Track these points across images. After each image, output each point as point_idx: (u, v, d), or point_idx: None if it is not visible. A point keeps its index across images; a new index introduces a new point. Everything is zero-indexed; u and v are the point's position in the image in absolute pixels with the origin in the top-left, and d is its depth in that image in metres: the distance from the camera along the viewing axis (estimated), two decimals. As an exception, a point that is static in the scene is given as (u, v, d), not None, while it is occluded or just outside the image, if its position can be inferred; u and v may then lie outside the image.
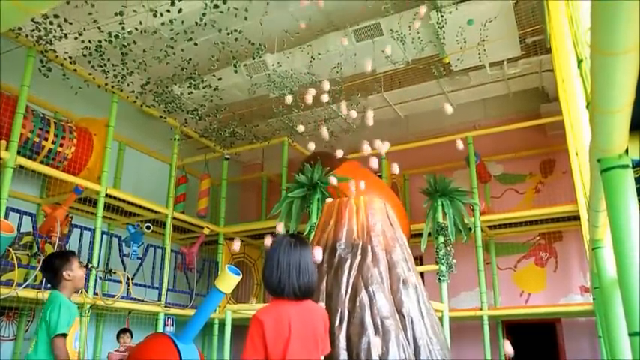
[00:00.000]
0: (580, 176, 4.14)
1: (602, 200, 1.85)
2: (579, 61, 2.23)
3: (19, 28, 5.91)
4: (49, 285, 5.69)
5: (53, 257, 3.44)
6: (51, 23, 5.96)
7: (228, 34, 6.68)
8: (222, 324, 8.26)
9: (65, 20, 6.02)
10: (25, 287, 5.53)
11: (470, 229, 7.47)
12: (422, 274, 5.94)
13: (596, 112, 1.28)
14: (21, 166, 5.89)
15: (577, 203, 6.39)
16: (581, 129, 3.21)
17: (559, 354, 8.05)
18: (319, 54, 7.20)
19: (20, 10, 1.41)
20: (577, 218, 6.73)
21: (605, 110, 1.23)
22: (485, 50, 7.10)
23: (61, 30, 6.08)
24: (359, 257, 4.09)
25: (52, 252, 3.80)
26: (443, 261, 7.02)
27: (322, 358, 2.40)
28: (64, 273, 3.26)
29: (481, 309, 7.38)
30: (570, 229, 8.21)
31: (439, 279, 7.00)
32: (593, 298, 6.12)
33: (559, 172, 8.73)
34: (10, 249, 5.48)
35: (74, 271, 3.31)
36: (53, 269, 3.30)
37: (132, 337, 6.56)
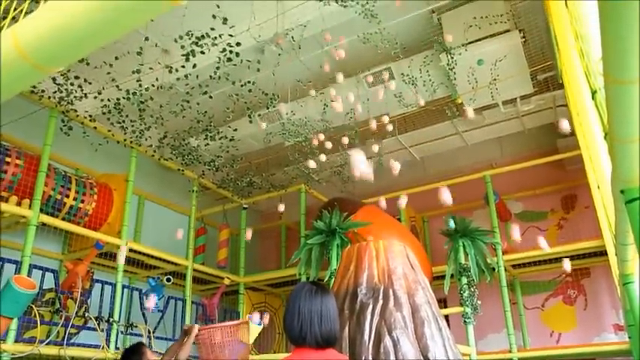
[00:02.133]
0: (604, 209, 4.07)
1: (629, 233, 1.80)
2: (593, 93, 2.22)
3: (42, 91, 6.12)
4: (71, 341, 5.68)
5: (128, 354, 3.83)
6: (72, 84, 6.17)
7: (241, 85, 6.83)
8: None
9: (85, 80, 6.23)
10: (47, 344, 5.50)
11: (493, 269, 7.32)
12: (447, 317, 5.79)
13: (615, 142, 1.26)
14: (43, 224, 5.98)
15: (603, 238, 6.25)
16: (600, 161, 3.17)
17: (597, 396, 7.69)
18: (332, 101, 7.30)
19: (36, 69, 1.46)
20: (604, 253, 6.56)
21: (624, 139, 1.21)
22: (497, 89, 7.13)
23: (82, 90, 6.28)
24: (381, 302, 4.01)
25: (125, 348, 4.11)
26: (467, 303, 6.84)
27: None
28: None
29: (510, 351, 7.13)
30: (598, 265, 7.99)
31: (465, 321, 6.81)
32: (629, 337, 5.88)
33: (581, 207, 8.58)
34: (33, 306, 5.49)
35: None
36: None
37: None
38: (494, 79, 6.91)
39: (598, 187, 4.01)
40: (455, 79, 6.86)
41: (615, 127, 1.23)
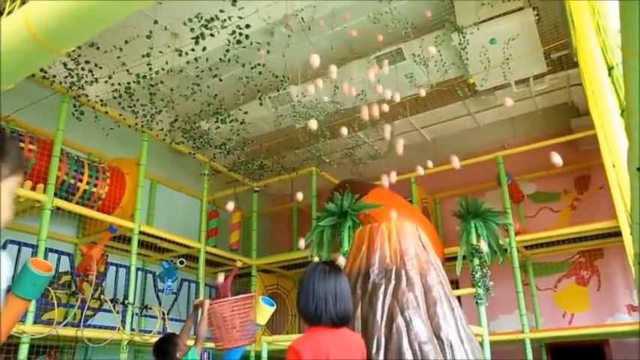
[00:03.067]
0: (619, 189, 4.02)
1: (644, 210, 1.78)
2: (610, 69, 2.18)
3: (54, 76, 6.15)
4: (88, 323, 5.79)
5: (161, 343, 3.95)
6: (82, 69, 6.19)
7: (252, 68, 6.80)
8: (258, 356, 8.19)
9: (95, 65, 6.24)
10: (64, 326, 5.60)
11: (505, 250, 7.30)
12: (459, 298, 5.79)
13: (632, 118, 1.24)
14: (58, 208, 6.05)
15: (617, 218, 6.19)
16: (616, 139, 3.13)
17: (610, 377, 7.70)
18: (343, 82, 7.25)
19: (48, 49, 1.46)
20: (618, 234, 6.51)
21: (641, 114, 1.19)
22: (509, 68, 7.04)
23: (92, 75, 6.30)
24: (393, 282, 4.02)
25: (159, 339, 4.17)
26: (479, 284, 6.84)
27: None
28: (177, 354, 3.82)
29: (522, 332, 7.14)
30: (612, 246, 7.94)
31: (477, 302, 6.81)
32: (642, 317, 5.86)
33: (595, 188, 8.50)
34: (50, 288, 5.59)
35: (183, 350, 3.85)
36: (166, 353, 3.85)
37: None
38: (507, 59, 6.82)
39: (613, 166, 3.96)
40: (467, 58, 6.78)
41: (632, 102, 1.21)
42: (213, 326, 4.31)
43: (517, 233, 7.61)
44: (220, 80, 6.87)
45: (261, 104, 7.47)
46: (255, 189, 9.23)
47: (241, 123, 7.82)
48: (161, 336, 4.28)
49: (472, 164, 8.34)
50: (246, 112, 7.73)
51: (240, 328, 4.29)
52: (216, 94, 7.39)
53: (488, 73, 7.12)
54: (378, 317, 3.85)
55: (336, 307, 2.28)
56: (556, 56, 7.14)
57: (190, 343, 4.12)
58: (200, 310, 4.22)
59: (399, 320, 3.78)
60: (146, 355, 7.59)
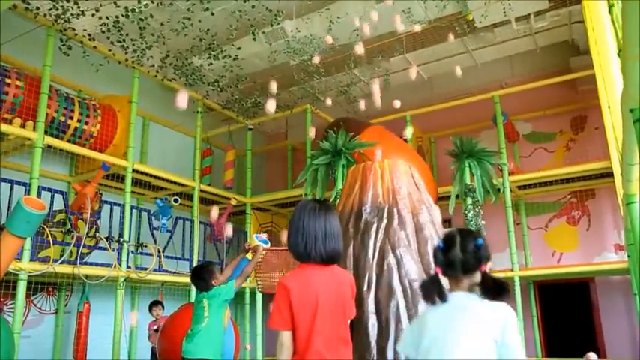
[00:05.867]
0: (613, 130, 4.00)
1: (635, 152, 1.76)
2: (610, 6, 2.10)
3: (37, 8, 5.92)
4: (84, 260, 5.87)
5: (199, 270, 4.08)
6: (67, 1, 5.95)
7: (244, 1, 6.57)
8: (252, 293, 8.42)
9: (81, -4, 6.01)
10: (61, 263, 5.68)
11: (498, 189, 7.35)
12: (450, 236, 5.89)
13: (627, 59, 1.19)
14: (49, 146, 5.98)
15: (610, 159, 6.20)
16: (613, 80, 3.07)
17: (593, 313, 7.96)
18: (338, 17, 7.04)
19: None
20: (610, 175, 6.54)
21: (637, 55, 1.15)
22: (510, 4, 6.83)
23: (78, 7, 6.07)
24: (385, 221, 4.05)
25: (195, 266, 4.35)
26: (472, 223, 6.93)
27: (349, 322, 2.38)
28: (212, 282, 3.92)
29: (512, 270, 7.31)
30: (603, 187, 8.01)
31: (468, 241, 6.92)
32: (628, 256, 5.98)
33: (591, 129, 8.46)
34: (45, 227, 5.62)
35: (218, 279, 3.96)
36: (201, 278, 3.96)
37: (163, 309, 6.72)
38: (508, -7, 6.60)
39: (609, 107, 3.91)
40: (466, -7, 6.56)
41: (629, 42, 1.16)
42: (261, 271, 4.46)
43: (511, 173, 7.63)
44: (212, 14, 6.65)
45: (254, 40, 7.27)
46: (249, 127, 9.14)
47: (234, 59, 7.64)
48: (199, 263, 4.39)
49: (468, 103, 8.26)
50: (239, 48, 7.54)
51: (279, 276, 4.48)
52: (208, 29, 7.17)
53: (487, 9, 6.91)
54: (370, 255, 3.91)
55: (325, 244, 2.29)
56: (558, -9, 6.93)
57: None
58: (249, 253, 4.33)
59: (391, 258, 3.84)
60: (142, 291, 7.77)
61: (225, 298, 3.96)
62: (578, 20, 7.41)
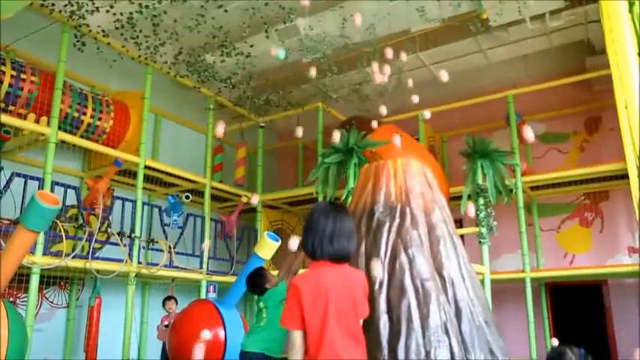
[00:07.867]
0: (629, 130, 3.94)
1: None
2: (631, 4, 2.06)
3: (52, 4, 5.96)
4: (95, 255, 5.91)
5: (253, 278, 4.36)
6: (82, -3, 5.99)
7: (258, -1, 6.57)
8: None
9: (96, -7, 6.04)
10: (73, 257, 5.72)
11: (511, 190, 7.29)
12: (462, 237, 5.83)
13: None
14: (62, 141, 6.03)
15: (625, 160, 6.12)
16: (631, 80, 3.02)
17: (605, 316, 7.88)
18: (351, 15, 7.00)
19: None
20: (625, 176, 6.45)
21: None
22: (525, 3, 6.76)
23: (93, 4, 6.11)
24: (397, 220, 4.02)
25: (250, 274, 4.50)
26: (483, 223, 6.88)
27: (361, 322, 2.39)
28: (265, 285, 4.25)
29: (523, 271, 7.24)
30: (618, 189, 7.92)
31: (480, 241, 6.88)
32: (643, 258, 5.91)
33: (606, 129, 8.37)
34: (58, 221, 5.66)
35: (271, 282, 4.27)
36: (255, 285, 4.30)
37: (177, 303, 6.74)
38: (523, -8, 6.54)
39: (626, 107, 3.86)
40: (481, -9, 6.50)
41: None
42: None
43: (523, 174, 7.57)
44: (225, 11, 6.66)
45: (267, 37, 7.26)
46: (261, 124, 9.14)
47: (247, 56, 7.64)
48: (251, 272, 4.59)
49: (481, 103, 8.19)
50: (252, 45, 7.53)
51: None
52: (221, 26, 7.18)
53: (502, 7, 6.84)
54: (382, 254, 3.88)
55: (333, 244, 2.34)
56: (575, -10, 6.85)
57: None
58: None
59: (402, 257, 3.81)
60: (153, 287, 7.81)
61: (281, 299, 4.03)
62: (595, 19, 7.32)
